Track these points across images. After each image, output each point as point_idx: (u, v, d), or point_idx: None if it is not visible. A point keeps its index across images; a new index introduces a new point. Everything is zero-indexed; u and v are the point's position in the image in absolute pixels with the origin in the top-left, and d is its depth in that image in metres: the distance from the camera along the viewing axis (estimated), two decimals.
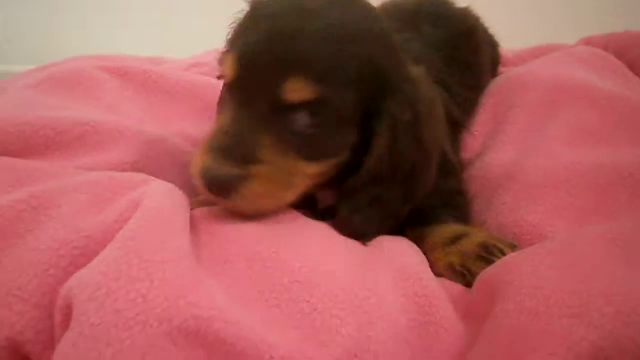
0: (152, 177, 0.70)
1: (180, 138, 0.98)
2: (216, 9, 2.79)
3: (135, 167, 0.81)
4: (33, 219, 0.57)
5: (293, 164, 0.66)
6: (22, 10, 2.88)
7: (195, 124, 1.09)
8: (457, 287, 0.65)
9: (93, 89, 1.00)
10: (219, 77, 0.85)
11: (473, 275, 0.64)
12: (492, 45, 1.31)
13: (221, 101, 0.81)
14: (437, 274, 0.67)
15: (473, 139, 0.95)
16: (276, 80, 0.62)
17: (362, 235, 0.71)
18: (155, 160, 0.87)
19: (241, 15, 0.74)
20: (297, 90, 0.62)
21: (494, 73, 1.26)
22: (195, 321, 0.44)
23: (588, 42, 1.53)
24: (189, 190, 0.90)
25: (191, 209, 0.67)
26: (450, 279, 0.67)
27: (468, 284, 0.65)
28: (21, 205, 0.57)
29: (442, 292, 0.60)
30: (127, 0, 2.88)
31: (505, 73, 1.13)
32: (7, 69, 2.15)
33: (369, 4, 0.74)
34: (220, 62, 0.76)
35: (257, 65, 0.63)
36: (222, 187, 0.63)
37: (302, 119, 0.65)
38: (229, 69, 0.66)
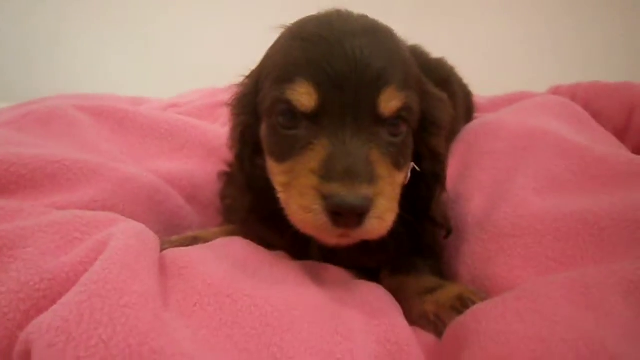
0: (122, 217, 0.70)
1: (155, 176, 0.98)
2: (199, 51, 2.85)
3: (107, 206, 0.81)
4: None
5: (393, 176, 0.67)
6: (5, 45, 2.89)
7: (170, 162, 1.09)
8: (429, 337, 0.65)
9: (69, 127, 1.00)
10: (233, 119, 0.79)
11: (445, 325, 0.64)
12: (466, 94, 1.36)
13: (243, 136, 0.77)
14: (411, 322, 0.66)
15: None
16: (370, 96, 0.64)
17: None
18: (128, 198, 0.86)
19: (278, 47, 0.72)
20: (391, 100, 0.65)
21: (468, 121, 1.29)
22: None
23: (556, 91, 1.58)
24: (162, 228, 0.89)
25: (162, 250, 0.67)
26: (423, 328, 0.67)
27: (440, 334, 0.65)
28: None
29: (414, 340, 0.60)
30: (108, 40, 2.92)
31: (476, 120, 1.16)
32: None
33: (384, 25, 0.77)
34: (273, 96, 0.71)
35: (346, 87, 0.63)
36: (359, 213, 0.59)
37: (392, 129, 0.67)
38: (306, 98, 0.64)
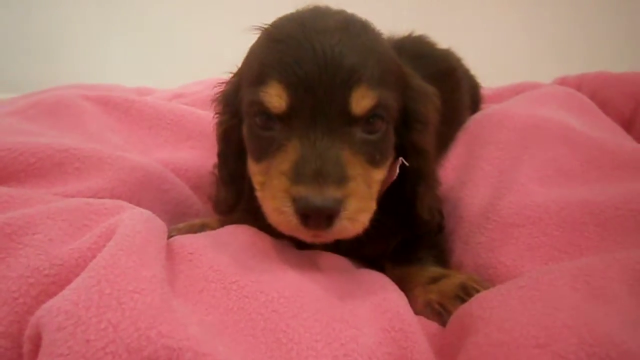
0: (130, 204, 0.70)
1: (161, 165, 0.99)
2: (201, 42, 2.85)
3: (114, 194, 0.82)
4: (5, 247, 0.56)
5: (369, 174, 0.67)
6: (9, 38, 2.89)
7: (176, 152, 1.10)
8: (434, 325, 0.66)
9: (75, 117, 1.01)
10: (217, 117, 0.81)
11: (449, 314, 0.65)
12: (473, 86, 1.35)
13: (228, 133, 0.78)
14: (416, 312, 0.67)
15: (444, 171, 0.97)
16: (341, 96, 0.64)
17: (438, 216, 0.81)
18: (135, 187, 0.87)
19: (256, 47, 0.72)
20: (363, 99, 0.64)
21: (474, 111, 1.28)
22: (165, 352, 0.44)
23: (563, 81, 1.58)
24: (168, 217, 0.90)
25: (170, 237, 0.67)
26: (428, 317, 0.68)
27: (444, 323, 0.65)
28: None
29: (418, 327, 0.60)
30: (114, 32, 2.92)
31: (482, 111, 1.15)
32: None
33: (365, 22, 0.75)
34: (231, 96, 0.76)
35: (316, 87, 0.63)
36: (327, 215, 0.60)
37: (367, 127, 0.67)
38: (277, 100, 0.64)
